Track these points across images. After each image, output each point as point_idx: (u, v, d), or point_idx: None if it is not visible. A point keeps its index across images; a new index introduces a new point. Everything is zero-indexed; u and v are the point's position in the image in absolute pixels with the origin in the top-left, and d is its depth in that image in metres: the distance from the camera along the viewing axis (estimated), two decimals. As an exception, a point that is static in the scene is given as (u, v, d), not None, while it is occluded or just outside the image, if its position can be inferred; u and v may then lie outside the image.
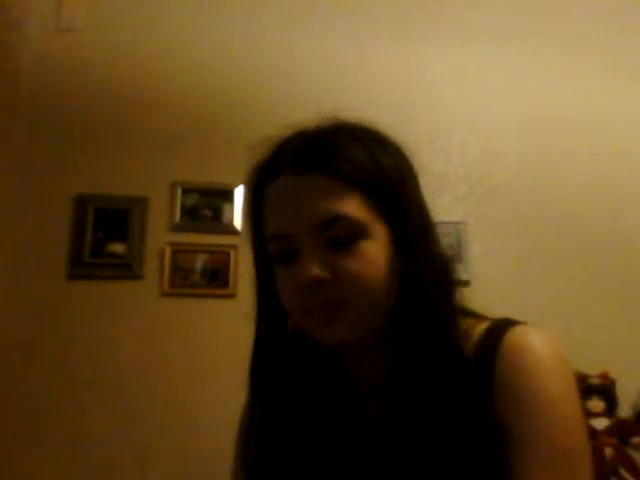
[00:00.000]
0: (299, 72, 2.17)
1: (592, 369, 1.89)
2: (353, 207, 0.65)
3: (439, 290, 0.68)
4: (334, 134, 0.70)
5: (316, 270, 0.64)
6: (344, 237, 0.64)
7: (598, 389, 1.89)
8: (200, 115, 2.12)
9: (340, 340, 0.66)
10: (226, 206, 2.05)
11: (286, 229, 0.67)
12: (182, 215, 2.04)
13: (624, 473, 1.76)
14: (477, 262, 2.03)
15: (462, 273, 1.95)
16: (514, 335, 0.65)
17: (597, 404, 1.88)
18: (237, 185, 2.05)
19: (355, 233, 0.65)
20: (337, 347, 0.70)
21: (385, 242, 0.66)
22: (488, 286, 1.89)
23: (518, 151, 2.20)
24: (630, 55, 2.31)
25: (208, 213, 2.06)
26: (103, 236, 1.99)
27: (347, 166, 0.66)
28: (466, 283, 1.90)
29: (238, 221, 2.04)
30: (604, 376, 1.91)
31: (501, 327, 0.67)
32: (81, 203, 2.01)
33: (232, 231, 2.03)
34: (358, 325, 0.65)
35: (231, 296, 1.97)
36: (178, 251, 2.00)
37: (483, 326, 0.68)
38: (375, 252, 0.65)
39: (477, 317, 0.71)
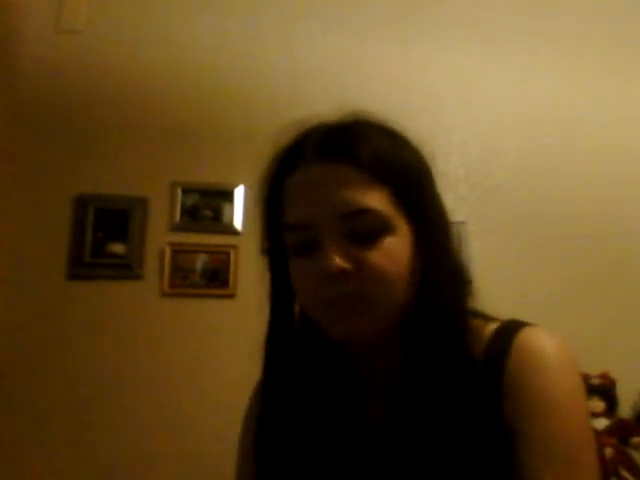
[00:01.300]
0: (299, 72, 2.17)
1: (592, 369, 1.89)
2: (380, 201, 0.64)
3: (455, 291, 0.68)
4: (357, 124, 0.69)
5: (339, 261, 0.62)
6: (369, 231, 0.63)
7: (598, 389, 1.89)
8: (200, 115, 2.12)
9: (356, 335, 0.66)
10: (226, 206, 2.05)
11: (309, 218, 0.65)
12: (182, 215, 2.04)
13: (624, 473, 1.76)
14: (477, 262, 2.02)
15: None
16: (524, 337, 0.65)
17: (597, 404, 1.88)
18: (237, 185, 2.05)
19: (380, 227, 0.64)
20: (349, 344, 0.70)
21: (407, 239, 0.66)
22: (488, 286, 1.89)
23: (518, 151, 2.20)
24: (630, 55, 2.31)
25: (208, 213, 2.05)
26: (103, 236, 1.99)
27: (373, 157, 0.65)
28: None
29: (238, 221, 2.04)
30: (604, 376, 1.91)
31: (511, 329, 0.67)
32: (81, 203, 2.01)
33: (232, 231, 2.03)
34: (376, 320, 0.65)
35: (231, 296, 1.97)
36: (178, 251, 2.00)
37: (492, 327, 0.68)
38: (398, 248, 0.64)
39: (485, 318, 0.71)
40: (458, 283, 0.69)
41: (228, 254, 2.00)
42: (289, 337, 0.71)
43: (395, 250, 0.64)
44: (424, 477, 0.62)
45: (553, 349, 0.64)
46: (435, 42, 2.25)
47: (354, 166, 0.64)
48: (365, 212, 0.63)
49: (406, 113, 2.24)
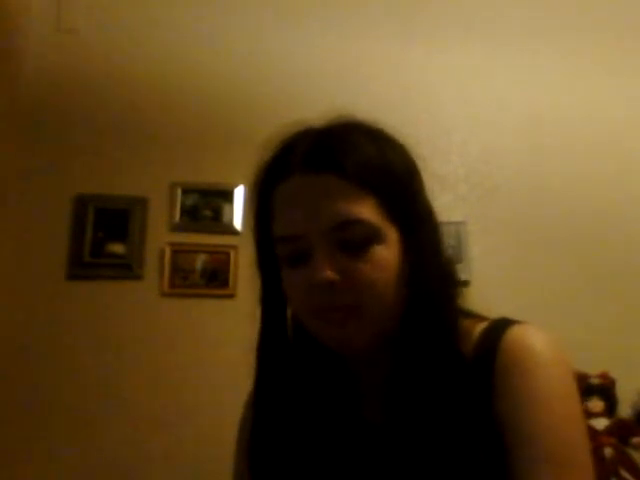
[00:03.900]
0: (299, 72, 2.17)
1: (592, 369, 1.89)
2: (368, 211, 0.64)
3: (445, 293, 0.68)
4: (343, 131, 0.69)
5: (329, 273, 0.63)
6: (358, 241, 0.64)
7: (598, 389, 1.89)
8: (200, 115, 2.12)
9: (351, 346, 0.67)
10: (226, 206, 2.05)
11: (299, 230, 0.65)
12: (182, 215, 2.04)
13: (624, 473, 1.76)
14: (477, 262, 2.03)
15: (462, 273, 1.95)
16: (512, 334, 0.65)
17: (597, 404, 1.88)
18: (237, 185, 2.05)
19: (369, 237, 0.64)
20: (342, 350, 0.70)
21: (396, 246, 0.66)
22: (488, 286, 1.89)
23: (518, 151, 2.20)
24: (630, 55, 2.31)
25: (208, 213, 2.05)
26: (103, 236, 1.99)
27: (359, 166, 0.65)
28: (466, 283, 1.90)
29: (238, 221, 2.04)
30: (604, 376, 1.91)
31: (499, 327, 0.67)
32: (81, 203, 2.00)
33: (232, 231, 2.03)
34: (370, 331, 0.65)
35: (231, 296, 1.97)
36: (178, 251, 2.00)
37: (482, 326, 0.69)
38: (388, 257, 0.65)
39: (476, 318, 0.71)
40: (448, 285, 0.70)
41: (228, 254, 2.00)
42: (281, 342, 0.72)
43: (385, 259, 0.65)
44: (419, 475, 0.62)
45: (542, 345, 0.64)
46: (435, 42, 2.25)
47: (342, 177, 0.64)
48: (354, 223, 0.64)
49: (406, 113, 2.24)
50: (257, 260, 0.73)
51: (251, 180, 0.72)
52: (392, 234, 0.66)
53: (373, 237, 0.64)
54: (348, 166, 0.64)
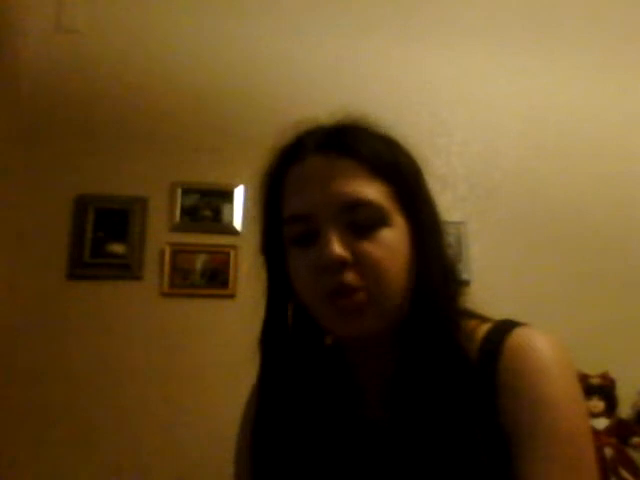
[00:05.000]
0: (299, 72, 2.17)
1: (592, 369, 1.89)
2: (378, 194, 0.66)
3: (448, 290, 0.69)
4: (354, 127, 0.71)
5: (339, 250, 0.63)
6: (367, 222, 0.65)
7: (598, 389, 1.89)
8: (200, 116, 2.11)
9: (358, 332, 0.66)
10: (226, 206, 2.05)
11: (309, 209, 0.66)
12: (182, 215, 2.03)
13: (624, 473, 1.76)
14: (477, 262, 2.03)
15: (462, 273, 1.95)
16: (516, 336, 0.65)
17: (597, 404, 1.88)
18: (237, 185, 2.05)
19: (378, 220, 0.65)
20: (346, 341, 0.71)
21: (404, 234, 0.67)
22: (488, 286, 1.89)
23: (518, 151, 2.20)
24: (630, 55, 2.31)
25: (208, 213, 2.05)
26: (103, 236, 1.99)
27: (371, 152, 0.67)
28: (466, 283, 1.90)
29: (238, 221, 2.04)
30: (604, 376, 1.91)
31: (503, 329, 0.67)
32: (81, 203, 2.00)
33: (232, 231, 2.03)
34: (377, 318, 0.66)
35: (231, 296, 1.97)
36: (178, 251, 2.00)
37: (485, 327, 0.69)
38: (396, 241, 0.66)
39: (481, 319, 0.71)
40: (450, 281, 0.70)
41: (228, 254, 2.00)
42: (284, 335, 0.72)
43: (392, 243, 0.66)
44: (420, 474, 0.62)
45: (546, 347, 0.64)
46: (435, 42, 2.26)
47: (354, 159, 0.66)
48: (364, 204, 0.65)
49: (406, 113, 2.24)
50: (262, 246, 0.74)
51: (264, 167, 0.73)
52: (400, 221, 0.67)
53: (381, 220, 0.65)
54: (360, 150, 0.67)
